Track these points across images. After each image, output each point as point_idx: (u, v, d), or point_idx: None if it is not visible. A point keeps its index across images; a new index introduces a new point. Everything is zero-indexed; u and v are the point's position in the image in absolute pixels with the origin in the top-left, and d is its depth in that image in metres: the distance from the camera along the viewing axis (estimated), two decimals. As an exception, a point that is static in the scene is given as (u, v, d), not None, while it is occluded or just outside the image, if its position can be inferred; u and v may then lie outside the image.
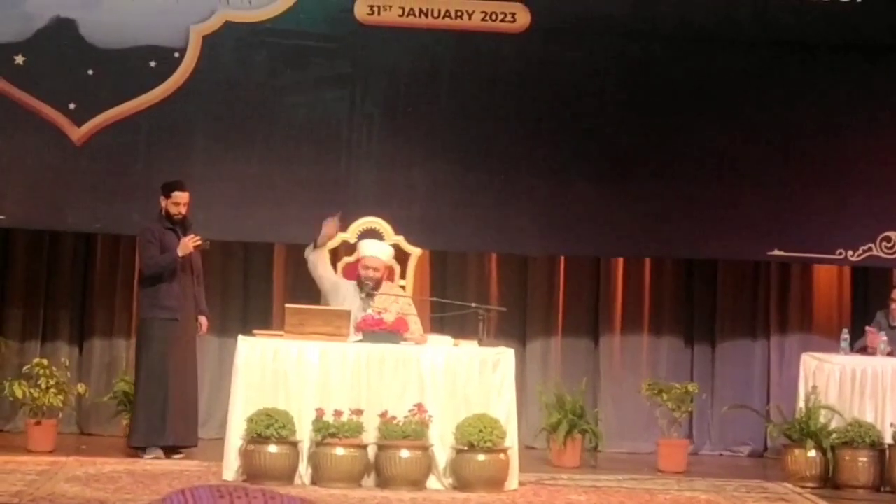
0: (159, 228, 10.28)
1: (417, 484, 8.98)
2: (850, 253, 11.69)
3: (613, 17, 11.59)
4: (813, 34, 11.65)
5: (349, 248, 10.32)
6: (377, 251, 9.85)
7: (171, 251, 10.18)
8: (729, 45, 11.64)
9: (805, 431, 10.13)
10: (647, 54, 11.62)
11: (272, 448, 8.93)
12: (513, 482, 9.14)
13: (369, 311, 9.52)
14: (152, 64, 11.31)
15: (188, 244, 10.18)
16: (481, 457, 8.98)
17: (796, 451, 10.16)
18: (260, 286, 12.16)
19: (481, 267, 12.34)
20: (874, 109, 11.68)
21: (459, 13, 11.51)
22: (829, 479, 10.07)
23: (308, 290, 10.77)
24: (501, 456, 9.05)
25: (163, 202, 10.33)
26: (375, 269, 9.73)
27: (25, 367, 10.81)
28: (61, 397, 10.59)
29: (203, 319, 10.45)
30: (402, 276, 10.26)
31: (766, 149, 11.64)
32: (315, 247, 9.81)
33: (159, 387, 10.14)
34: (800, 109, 11.67)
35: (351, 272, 10.03)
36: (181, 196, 10.31)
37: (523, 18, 11.55)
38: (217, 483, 1.08)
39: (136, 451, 10.18)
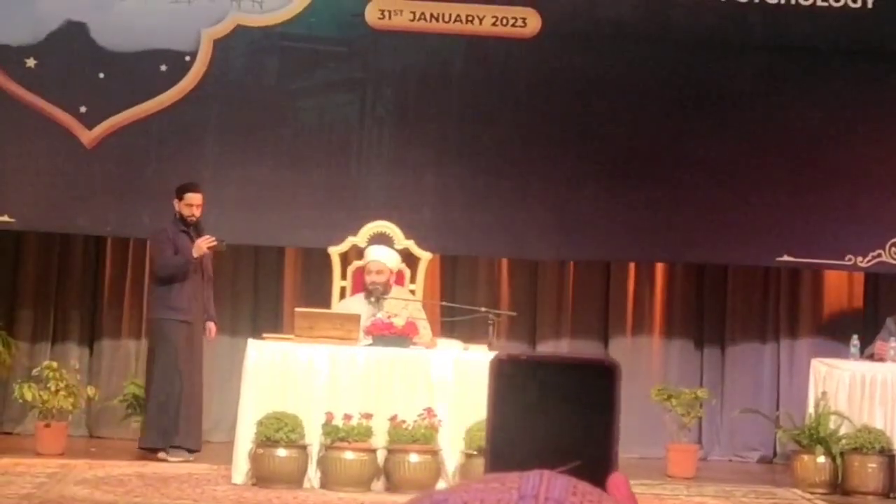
0: (173, 230, 10.29)
1: (426, 488, 8.98)
2: (859, 259, 11.68)
3: (624, 23, 11.59)
4: (823, 39, 11.64)
5: (359, 253, 10.32)
6: (380, 256, 9.86)
7: (184, 253, 10.19)
8: (740, 51, 11.64)
9: (814, 437, 10.11)
10: (657, 59, 11.61)
11: (281, 452, 8.95)
12: (522, 487, 9.13)
13: (379, 314, 9.52)
14: (163, 67, 11.33)
15: (202, 245, 10.19)
16: (490, 461, 8.98)
17: (805, 457, 10.15)
18: (270, 290, 12.16)
19: (491, 271, 12.34)
20: (884, 115, 11.67)
21: (470, 18, 11.52)
22: (838, 486, 10.06)
23: (318, 293, 10.79)
24: (511, 461, 9.04)
25: (176, 204, 10.34)
26: (379, 273, 9.73)
27: (35, 370, 10.81)
28: (71, 400, 10.60)
29: (211, 325, 10.44)
30: (413, 280, 10.26)
31: (776, 154, 11.63)
32: None
33: (172, 388, 10.15)
34: (810, 115, 11.66)
35: (360, 277, 10.04)
36: (194, 197, 10.32)
37: (534, 23, 11.55)
38: (574, 480, 1.07)
39: (148, 452, 10.18)
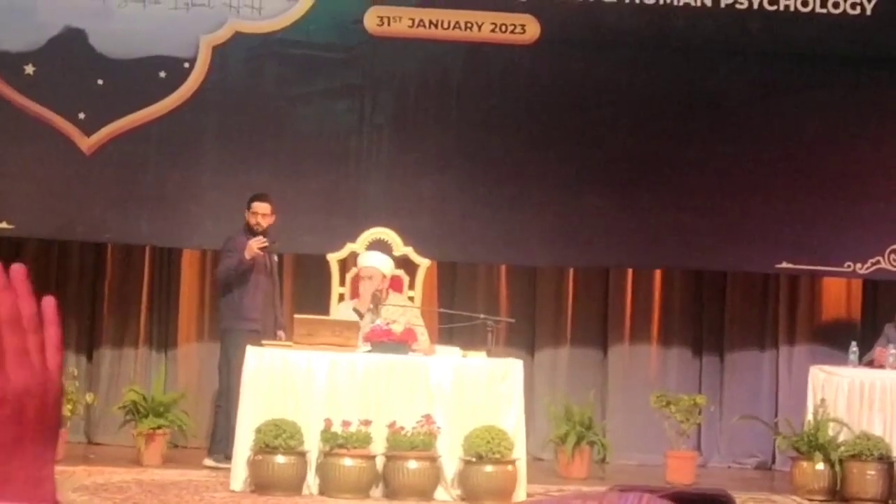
0: (242, 239, 10.37)
1: (425, 495, 8.99)
2: (858, 266, 11.68)
3: (623, 29, 11.59)
4: (823, 46, 11.65)
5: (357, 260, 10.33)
6: (373, 261, 9.85)
7: (241, 258, 10.27)
8: (739, 57, 11.64)
9: (813, 444, 10.11)
10: (656, 66, 11.62)
11: (280, 458, 8.94)
12: (521, 493, 9.14)
13: (378, 321, 9.53)
14: (162, 74, 11.33)
15: (252, 246, 10.25)
16: (489, 468, 8.98)
17: (804, 464, 10.15)
18: (269, 296, 12.15)
19: (490, 278, 12.34)
20: (883, 121, 11.68)
21: (469, 24, 11.52)
22: (837, 493, 10.06)
23: (317, 300, 10.79)
24: (509, 467, 9.05)
25: (246, 214, 10.46)
26: (370, 279, 9.72)
27: (34, 377, 10.78)
28: (70, 406, 10.59)
29: (281, 334, 10.41)
30: (411, 287, 10.26)
31: (775, 161, 11.63)
32: None
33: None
34: (809, 121, 11.67)
35: (358, 284, 10.04)
36: (259, 206, 10.46)
37: (533, 30, 11.56)
38: None
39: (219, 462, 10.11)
